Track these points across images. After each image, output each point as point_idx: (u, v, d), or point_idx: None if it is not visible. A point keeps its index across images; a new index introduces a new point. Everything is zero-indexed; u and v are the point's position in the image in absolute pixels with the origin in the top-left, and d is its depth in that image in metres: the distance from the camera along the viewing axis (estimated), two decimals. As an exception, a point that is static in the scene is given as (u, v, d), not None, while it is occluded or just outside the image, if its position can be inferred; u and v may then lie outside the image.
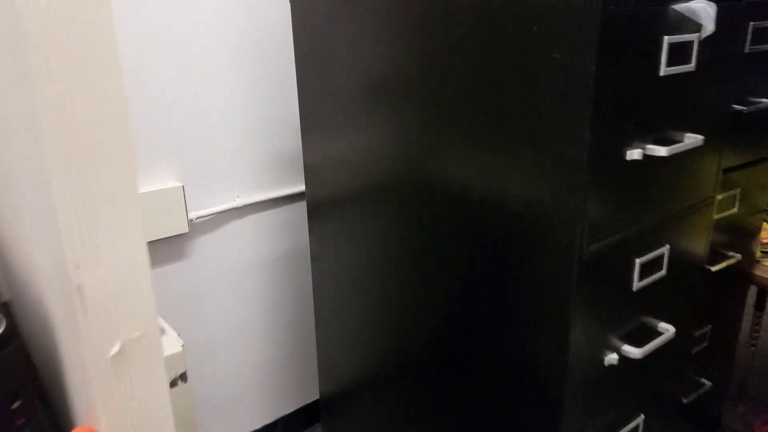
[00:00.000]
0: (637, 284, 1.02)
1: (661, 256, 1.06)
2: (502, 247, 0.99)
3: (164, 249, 1.58)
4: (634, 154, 0.91)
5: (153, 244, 1.55)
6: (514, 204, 0.95)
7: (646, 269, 1.03)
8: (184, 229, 1.53)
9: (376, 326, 1.37)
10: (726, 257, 1.31)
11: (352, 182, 1.32)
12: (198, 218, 1.59)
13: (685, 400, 1.38)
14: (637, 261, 1.02)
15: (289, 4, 1.55)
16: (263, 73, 1.58)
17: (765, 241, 1.50)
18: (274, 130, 1.66)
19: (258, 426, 1.90)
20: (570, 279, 0.90)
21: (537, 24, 0.84)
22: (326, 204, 1.44)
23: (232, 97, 1.55)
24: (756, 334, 1.82)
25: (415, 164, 1.11)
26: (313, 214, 1.51)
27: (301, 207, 1.82)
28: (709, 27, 0.90)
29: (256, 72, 1.57)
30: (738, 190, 1.27)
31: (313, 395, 2.02)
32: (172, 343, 1.03)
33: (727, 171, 1.22)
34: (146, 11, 1.34)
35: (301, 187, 1.78)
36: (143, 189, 1.44)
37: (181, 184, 1.49)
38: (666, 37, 0.88)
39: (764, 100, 1.22)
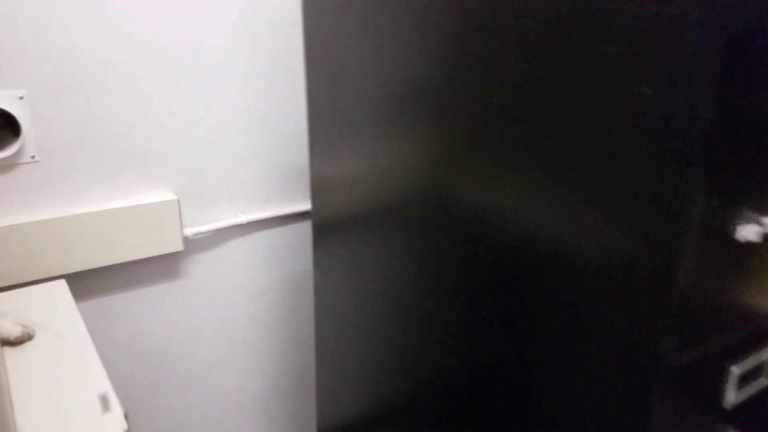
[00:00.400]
0: (733, 398, 0.81)
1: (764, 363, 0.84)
2: (550, 314, 0.82)
3: (157, 266, 1.44)
4: (748, 231, 0.69)
5: (144, 262, 1.41)
6: (573, 263, 0.76)
7: (745, 379, 0.82)
8: (179, 246, 1.39)
9: (383, 359, 1.22)
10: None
11: (362, 202, 1.17)
12: (195, 235, 1.45)
13: None
14: (734, 369, 0.80)
15: (299, 5, 1.42)
16: (270, 79, 1.45)
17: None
18: (282, 140, 1.52)
19: (252, 462, 1.75)
20: (648, 392, 0.70)
21: (620, 43, 0.62)
22: (333, 224, 1.29)
23: (236, 103, 1.42)
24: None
25: (437, 188, 0.97)
26: (318, 235, 1.37)
27: (306, 226, 1.68)
28: None
29: (263, 77, 1.44)
30: None
31: (310, 427, 1.87)
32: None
33: None
34: (142, 11, 1.22)
35: (307, 205, 1.64)
36: (134, 201, 1.31)
37: (176, 198, 1.36)
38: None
39: None
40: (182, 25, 1.28)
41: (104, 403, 0.74)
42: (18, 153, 1.16)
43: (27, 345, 0.83)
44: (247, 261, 1.59)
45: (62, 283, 1.05)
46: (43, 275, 1.22)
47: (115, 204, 1.29)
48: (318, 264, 1.37)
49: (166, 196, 1.36)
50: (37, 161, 1.19)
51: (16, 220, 1.18)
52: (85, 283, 1.35)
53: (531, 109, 0.76)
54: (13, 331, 0.81)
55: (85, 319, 1.37)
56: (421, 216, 1.02)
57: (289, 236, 1.65)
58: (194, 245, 1.49)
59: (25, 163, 1.18)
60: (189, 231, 1.43)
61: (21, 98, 1.13)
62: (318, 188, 1.32)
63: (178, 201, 1.35)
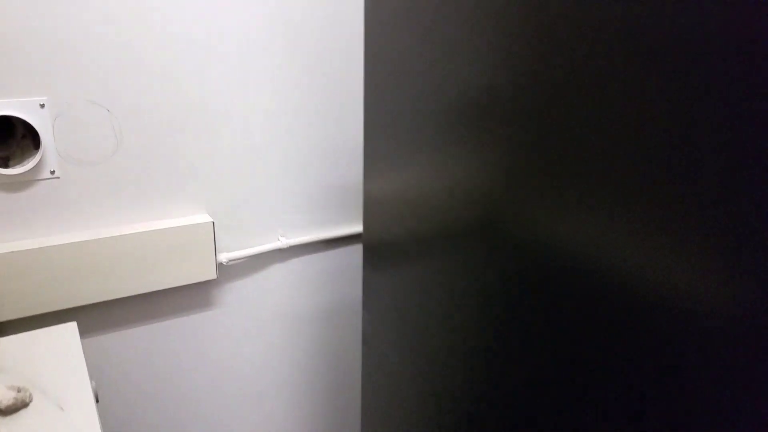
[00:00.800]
0: None
1: None
2: (649, 374, 0.63)
3: (187, 295, 1.29)
4: None
5: (173, 291, 1.26)
6: (687, 311, 0.59)
7: None
8: (212, 274, 1.24)
9: (436, 400, 1.03)
10: None
11: (422, 227, 1.00)
12: (230, 261, 1.29)
13: None
14: None
15: (355, 12, 1.27)
16: (319, 86, 1.30)
17: None
18: (331, 157, 1.36)
19: None
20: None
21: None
22: (386, 250, 1.12)
23: (279, 114, 1.26)
24: None
25: (509, 213, 0.78)
26: (369, 261, 1.19)
27: (356, 251, 1.51)
28: None
29: (310, 84, 1.29)
30: None
31: (356, 479, 1.68)
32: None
33: None
34: (176, 10, 1.08)
35: (356, 228, 1.47)
36: (163, 223, 1.17)
37: (211, 220, 1.21)
38: None
39: None
40: (224, 31, 1.13)
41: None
42: (36, 168, 1.03)
43: (21, 413, 0.67)
44: (288, 290, 1.43)
45: (73, 327, 0.90)
46: (62, 305, 1.08)
47: (142, 227, 1.14)
48: (368, 304, 1.19)
49: (200, 217, 1.21)
50: (57, 177, 1.06)
51: (34, 244, 1.04)
52: (105, 314, 1.21)
53: (632, 122, 0.57)
54: (4, 398, 0.66)
55: (106, 353, 1.23)
56: (489, 246, 0.83)
57: (335, 262, 1.48)
58: (229, 272, 1.33)
59: (44, 179, 1.05)
60: (224, 257, 1.28)
61: (42, 106, 1.00)
62: (371, 208, 1.15)
63: (213, 223, 1.20)
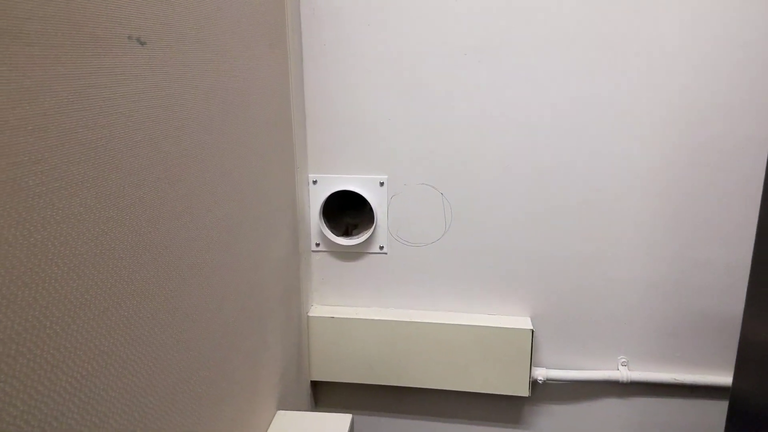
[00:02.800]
0: None
1: None
2: None
3: (496, 404, 1.14)
4: None
5: (480, 397, 1.13)
6: None
7: None
8: (523, 391, 1.05)
9: None
10: None
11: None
12: (548, 380, 1.08)
13: None
14: None
15: None
16: (716, 191, 1.00)
17: None
18: (702, 274, 1.03)
19: None
20: None
21: None
22: (764, 417, 0.74)
23: (646, 202, 1.01)
24: None
25: None
26: (735, 423, 0.82)
27: (717, 410, 1.09)
28: None
29: (699, 187, 1.00)
30: None
31: None
32: None
33: None
34: (524, 101, 0.98)
35: (723, 378, 1.06)
36: (479, 319, 1.05)
37: (530, 327, 1.03)
38: None
39: None
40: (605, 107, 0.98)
41: None
42: (368, 241, 1.06)
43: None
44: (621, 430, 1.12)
45: (348, 418, 0.85)
46: (366, 379, 1.07)
47: (457, 318, 1.06)
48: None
49: (519, 321, 1.05)
50: (385, 253, 1.07)
51: (353, 313, 1.06)
52: (407, 400, 1.15)
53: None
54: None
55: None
56: None
57: (689, 418, 1.10)
58: (546, 392, 1.12)
59: (373, 253, 1.07)
60: (541, 374, 1.08)
61: (381, 184, 1.03)
62: (749, 358, 0.79)
63: (532, 332, 1.03)
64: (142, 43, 0.47)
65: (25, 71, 0.35)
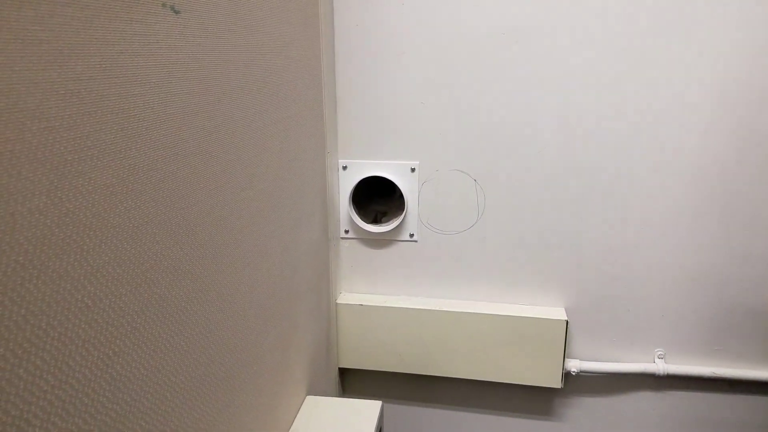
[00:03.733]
0: None
1: None
2: None
3: (528, 396, 1.11)
4: None
5: (511, 388, 1.10)
6: None
7: None
8: (555, 383, 1.03)
9: None
10: None
11: None
12: (582, 372, 1.05)
13: None
14: None
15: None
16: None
17: None
18: (757, 264, 0.99)
19: None
20: None
21: None
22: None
23: (686, 191, 0.97)
24: None
25: None
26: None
27: (757, 403, 1.05)
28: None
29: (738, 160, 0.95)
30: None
31: None
32: None
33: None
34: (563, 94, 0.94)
35: (765, 373, 1.02)
36: (513, 308, 1.03)
37: (564, 318, 1.00)
38: None
39: None
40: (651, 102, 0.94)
41: None
42: (398, 229, 1.04)
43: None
44: (657, 430, 1.09)
45: (376, 406, 0.84)
46: (394, 368, 1.06)
47: (490, 307, 1.03)
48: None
49: (554, 312, 1.02)
50: (415, 241, 1.05)
51: (381, 301, 1.05)
52: (434, 389, 1.13)
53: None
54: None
55: (421, 428, 1.15)
56: None
57: (733, 413, 1.06)
58: (579, 384, 1.09)
59: (403, 241, 1.05)
60: (574, 365, 1.05)
61: (413, 170, 1.01)
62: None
63: (567, 323, 1.00)
64: (176, 12, 0.46)
65: (58, 33, 0.33)
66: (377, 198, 1.13)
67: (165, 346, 0.46)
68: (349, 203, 1.02)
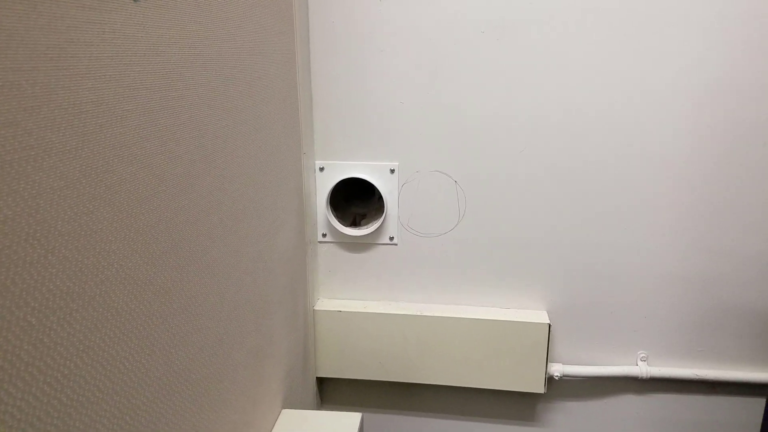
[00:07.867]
0: None
1: None
2: None
3: (510, 401, 1.09)
4: None
5: (493, 394, 1.08)
6: None
7: None
8: (538, 388, 1.00)
9: None
10: None
11: None
12: (564, 376, 1.03)
13: None
14: None
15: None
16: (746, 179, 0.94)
17: None
18: (736, 266, 0.98)
19: None
20: None
21: None
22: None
23: (666, 190, 0.96)
24: None
25: None
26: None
27: (751, 407, 1.04)
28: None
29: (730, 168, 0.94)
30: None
31: None
32: None
33: None
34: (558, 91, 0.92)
35: (758, 374, 1.01)
36: (493, 312, 1.00)
37: (547, 322, 0.98)
38: None
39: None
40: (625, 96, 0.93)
41: None
42: (377, 232, 1.01)
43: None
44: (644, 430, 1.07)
45: (357, 417, 0.80)
46: (375, 376, 1.02)
47: (470, 312, 1.00)
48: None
49: (536, 315, 1.00)
50: (395, 244, 1.01)
51: (360, 307, 1.01)
52: (416, 396, 1.10)
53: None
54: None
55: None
56: None
57: (717, 416, 1.05)
58: (561, 389, 1.07)
59: (382, 244, 1.02)
60: (557, 369, 1.03)
61: (392, 171, 0.98)
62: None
63: (549, 326, 0.98)
64: (135, 0, 0.42)
65: (-8, 17, 0.29)
66: (356, 200, 1.09)
67: (123, 365, 0.42)
68: (327, 206, 0.99)
